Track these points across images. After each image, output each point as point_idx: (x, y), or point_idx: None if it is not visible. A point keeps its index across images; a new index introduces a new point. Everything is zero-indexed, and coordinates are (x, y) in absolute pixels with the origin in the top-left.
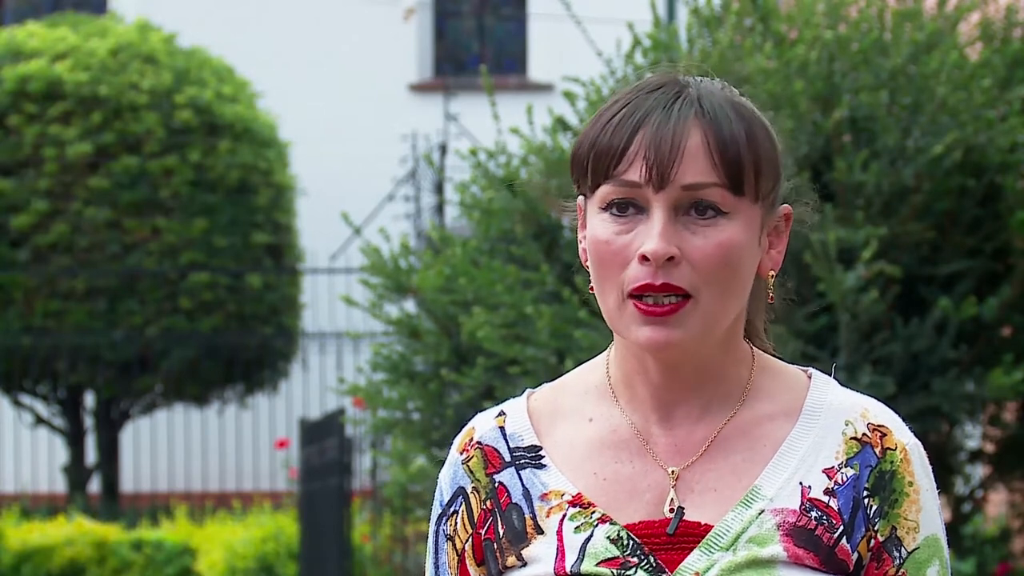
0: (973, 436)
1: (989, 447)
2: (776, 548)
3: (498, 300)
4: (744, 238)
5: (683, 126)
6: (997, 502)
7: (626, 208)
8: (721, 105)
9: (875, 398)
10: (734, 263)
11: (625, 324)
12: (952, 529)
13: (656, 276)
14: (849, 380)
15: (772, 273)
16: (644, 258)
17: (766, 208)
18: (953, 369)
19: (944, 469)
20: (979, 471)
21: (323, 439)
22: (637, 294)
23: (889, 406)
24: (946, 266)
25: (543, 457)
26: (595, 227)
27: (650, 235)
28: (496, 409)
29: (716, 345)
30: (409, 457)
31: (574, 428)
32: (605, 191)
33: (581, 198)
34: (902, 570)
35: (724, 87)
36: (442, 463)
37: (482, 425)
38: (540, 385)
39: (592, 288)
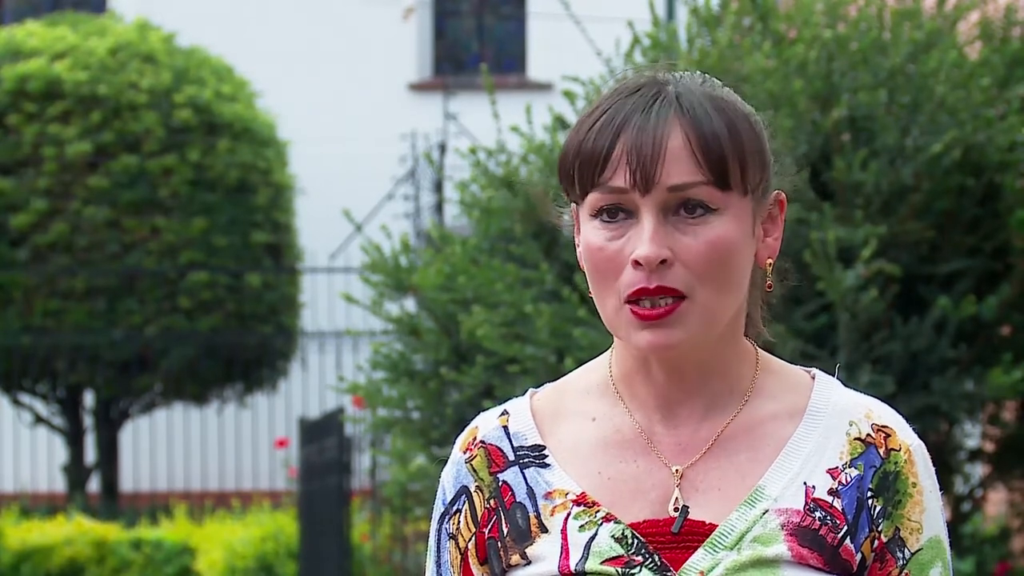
0: (972, 435)
1: (988, 446)
2: (780, 548)
3: (498, 299)
4: (736, 233)
5: (663, 128)
6: (996, 501)
7: (616, 213)
8: (700, 102)
9: (878, 398)
10: (727, 259)
11: (625, 329)
12: (951, 528)
13: (650, 280)
14: (849, 379)
15: (770, 261)
16: (637, 263)
17: (756, 199)
18: (952, 368)
19: (943, 468)
20: (978, 470)
21: (322, 438)
22: (633, 299)
23: (891, 406)
24: (945, 265)
25: (547, 456)
26: (588, 234)
27: (641, 240)
28: (499, 408)
29: (718, 341)
30: (408, 456)
31: (578, 427)
32: (593, 198)
33: (574, 205)
34: (905, 571)
35: (704, 81)
36: (442, 462)
37: (485, 424)
38: (541, 384)
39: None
